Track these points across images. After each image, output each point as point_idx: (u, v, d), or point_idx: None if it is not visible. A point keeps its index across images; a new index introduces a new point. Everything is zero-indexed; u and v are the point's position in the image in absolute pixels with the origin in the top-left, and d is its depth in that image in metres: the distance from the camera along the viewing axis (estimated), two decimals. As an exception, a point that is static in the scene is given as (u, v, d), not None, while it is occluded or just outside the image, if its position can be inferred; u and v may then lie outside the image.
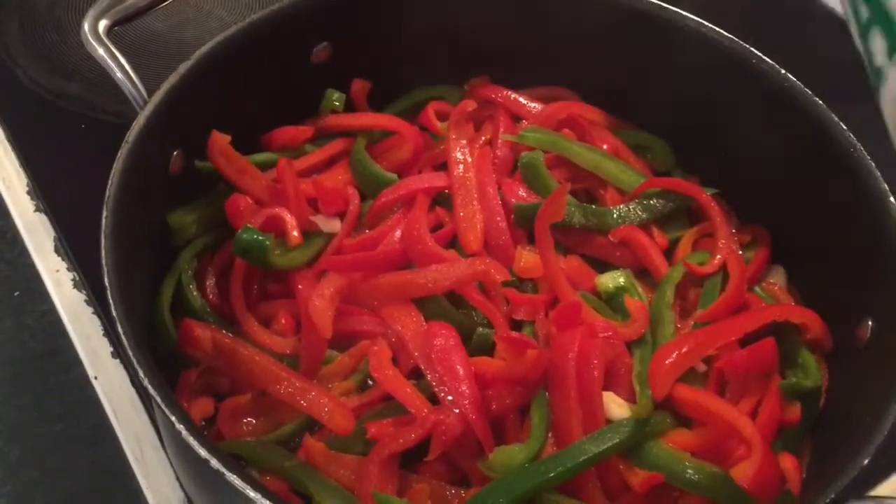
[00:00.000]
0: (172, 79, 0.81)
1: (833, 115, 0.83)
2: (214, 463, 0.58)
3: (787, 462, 0.74)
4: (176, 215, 0.86)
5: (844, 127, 0.82)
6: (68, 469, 0.85)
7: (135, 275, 0.76)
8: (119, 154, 0.75)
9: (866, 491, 0.83)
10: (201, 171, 0.87)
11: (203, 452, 0.58)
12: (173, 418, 0.59)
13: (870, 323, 0.77)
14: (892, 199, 0.77)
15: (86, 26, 0.82)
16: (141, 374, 0.61)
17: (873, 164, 0.80)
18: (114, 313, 0.64)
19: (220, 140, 0.87)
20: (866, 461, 0.62)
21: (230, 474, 0.57)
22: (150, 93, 0.80)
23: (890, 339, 0.72)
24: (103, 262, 0.67)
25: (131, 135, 0.76)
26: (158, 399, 0.60)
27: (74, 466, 0.85)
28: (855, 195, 0.80)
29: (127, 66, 0.82)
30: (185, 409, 0.73)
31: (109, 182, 0.72)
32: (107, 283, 0.66)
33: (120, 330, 0.64)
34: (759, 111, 0.89)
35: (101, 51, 0.82)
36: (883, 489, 0.85)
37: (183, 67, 0.82)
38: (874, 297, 0.77)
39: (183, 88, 0.82)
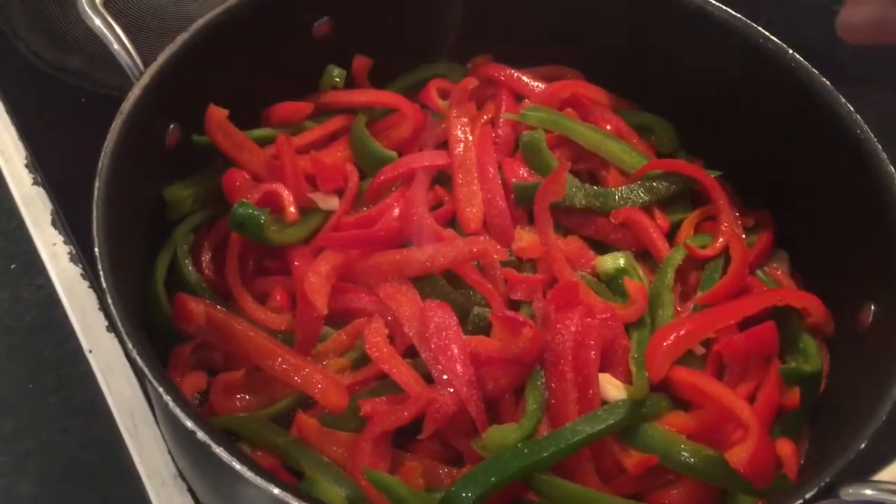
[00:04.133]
0: (169, 50, 0.80)
1: (841, 98, 0.82)
2: (201, 435, 0.57)
3: (785, 447, 0.74)
4: (172, 189, 0.85)
5: (852, 109, 0.81)
6: (62, 441, 0.85)
7: (129, 248, 0.76)
8: (113, 125, 0.74)
9: (868, 476, 0.82)
10: (199, 146, 0.86)
11: (189, 424, 0.58)
12: (160, 389, 0.59)
13: (872, 307, 0.75)
14: (898, 181, 0.76)
15: (83, -4, 0.81)
16: (129, 344, 0.61)
17: (880, 147, 0.78)
18: (103, 283, 0.64)
19: (218, 114, 0.86)
20: (863, 445, 0.61)
21: (216, 447, 0.57)
22: (148, 65, 0.80)
23: (891, 324, 0.71)
24: (94, 231, 0.67)
25: (126, 106, 0.75)
26: (146, 369, 0.60)
27: (68, 439, 0.85)
28: (861, 179, 0.78)
29: (124, 38, 0.81)
30: (174, 381, 0.72)
31: (103, 153, 0.72)
32: (97, 253, 0.66)
33: (109, 300, 0.63)
34: (765, 93, 0.88)
35: (98, 22, 0.81)
36: (885, 475, 0.85)
37: (180, 39, 0.81)
38: (877, 281, 0.75)
39: (180, 61, 0.81)
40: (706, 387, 0.74)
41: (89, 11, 0.81)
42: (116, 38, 0.81)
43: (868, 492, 0.59)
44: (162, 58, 0.80)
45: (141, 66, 0.80)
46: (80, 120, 1.08)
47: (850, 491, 0.60)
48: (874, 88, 0.55)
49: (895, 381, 0.66)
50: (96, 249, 0.67)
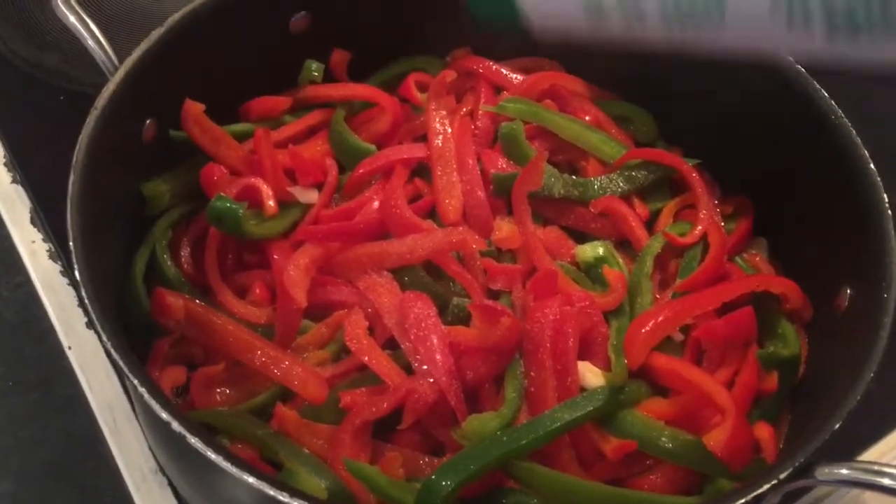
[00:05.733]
0: (144, 45, 0.80)
1: (815, 83, 0.83)
2: (176, 426, 0.57)
3: (763, 431, 0.74)
4: (150, 184, 0.85)
5: (826, 94, 0.82)
6: (42, 438, 0.85)
7: (107, 243, 0.76)
8: (88, 119, 0.74)
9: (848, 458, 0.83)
10: (176, 141, 0.86)
11: (165, 415, 0.57)
12: (135, 381, 0.59)
13: (848, 291, 0.76)
14: (871, 165, 0.76)
15: (57, -7, 0.81)
16: (104, 337, 0.61)
17: (854, 132, 0.79)
18: (77, 276, 0.64)
19: (194, 109, 0.86)
20: (838, 425, 0.62)
21: (192, 437, 0.57)
22: (123, 61, 0.79)
23: (867, 306, 0.71)
24: (69, 226, 0.67)
25: (101, 101, 0.75)
26: (120, 360, 0.60)
27: (48, 435, 0.85)
28: (836, 162, 0.79)
29: (98, 34, 0.81)
30: (150, 374, 0.72)
31: (77, 147, 0.72)
32: (72, 247, 0.65)
33: (83, 293, 0.63)
34: (741, 81, 0.88)
35: (72, 18, 0.81)
36: (864, 458, 0.85)
37: (155, 34, 0.81)
38: (852, 265, 0.76)
39: (155, 56, 0.80)
40: (684, 372, 0.74)
41: (63, 8, 0.81)
42: (91, 34, 0.81)
43: (843, 471, 0.59)
44: (137, 53, 0.79)
45: (116, 62, 0.79)
46: (58, 118, 1.07)
47: (826, 471, 0.60)
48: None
49: (871, 363, 0.66)
50: (71, 243, 0.66)
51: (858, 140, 0.78)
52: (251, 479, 0.56)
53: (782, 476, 0.59)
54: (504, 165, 0.89)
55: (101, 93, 0.76)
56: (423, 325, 0.74)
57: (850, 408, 0.62)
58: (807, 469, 0.60)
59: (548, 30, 0.46)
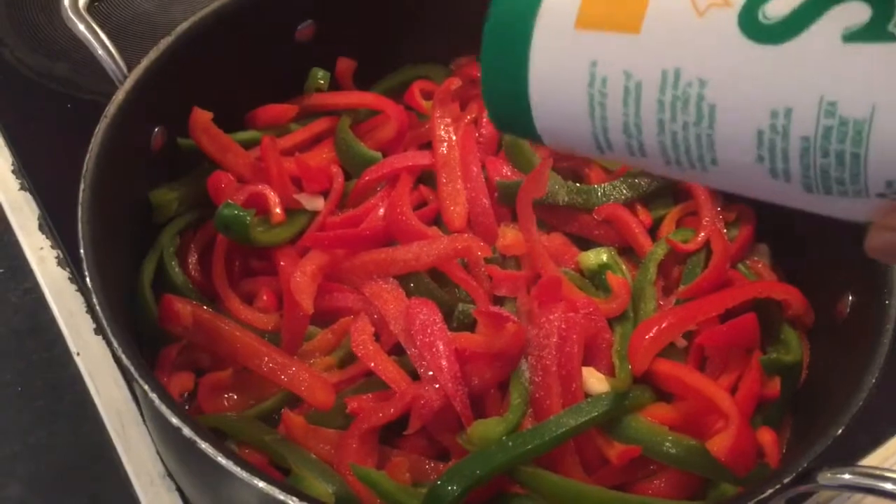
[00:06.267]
0: (153, 54, 0.81)
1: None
2: (187, 431, 0.58)
3: (766, 436, 0.74)
4: (158, 192, 0.86)
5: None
6: (50, 444, 0.86)
7: (115, 251, 0.76)
8: (97, 128, 0.75)
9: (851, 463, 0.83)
10: (184, 149, 0.87)
11: (175, 421, 0.58)
12: (146, 387, 0.59)
13: (849, 297, 0.76)
14: (873, 173, 0.76)
15: (66, 2, 0.82)
16: (115, 344, 0.62)
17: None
18: (89, 283, 0.64)
19: (202, 117, 0.86)
20: (840, 431, 0.62)
21: (202, 442, 0.57)
22: (132, 70, 0.80)
23: (868, 312, 0.72)
24: (80, 234, 0.67)
25: (110, 109, 0.76)
26: (132, 368, 0.60)
27: (56, 441, 0.86)
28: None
29: (108, 43, 0.81)
30: (160, 380, 0.73)
31: (87, 156, 0.73)
32: (82, 255, 0.66)
33: (95, 301, 0.64)
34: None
35: (81, 27, 0.82)
36: (866, 462, 0.85)
37: (163, 43, 0.82)
38: (854, 272, 0.76)
39: (164, 64, 0.81)
40: (688, 378, 0.75)
41: (73, 16, 0.82)
42: (100, 43, 0.81)
43: (846, 476, 0.60)
44: (146, 62, 0.80)
45: (125, 71, 0.80)
46: (67, 126, 1.09)
47: (829, 475, 0.60)
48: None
49: (873, 369, 0.67)
50: (81, 252, 0.67)
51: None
52: (261, 484, 0.56)
53: (785, 481, 0.60)
54: (508, 173, 0.90)
55: (110, 101, 0.77)
56: (428, 331, 0.75)
57: (852, 414, 0.63)
58: (809, 474, 0.61)
59: (560, 150, 0.52)
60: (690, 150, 0.44)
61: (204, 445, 0.57)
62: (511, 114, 0.50)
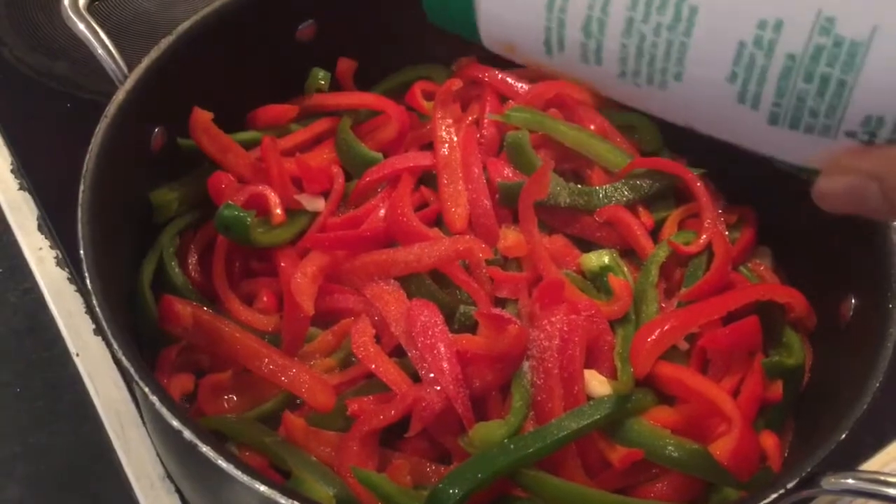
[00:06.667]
0: (153, 54, 0.81)
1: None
2: (187, 434, 0.58)
3: (769, 440, 0.74)
4: (158, 192, 0.85)
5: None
6: (49, 445, 0.85)
7: (115, 251, 0.76)
8: (97, 129, 0.74)
9: (852, 467, 0.83)
10: (184, 149, 0.87)
11: (176, 423, 0.58)
12: (146, 389, 0.59)
13: (852, 301, 0.76)
14: (876, 176, 0.76)
15: (66, 1, 0.82)
16: (115, 345, 0.61)
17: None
18: (88, 285, 0.64)
19: (203, 117, 0.86)
20: (844, 435, 0.62)
21: (203, 446, 0.57)
22: (132, 69, 0.80)
23: (871, 316, 0.72)
24: (79, 235, 0.67)
25: (110, 109, 0.76)
26: (132, 370, 0.60)
27: (55, 443, 0.85)
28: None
29: (108, 42, 0.81)
30: (161, 383, 0.73)
31: (87, 156, 0.72)
32: (82, 256, 0.66)
33: (94, 302, 0.63)
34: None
35: (81, 26, 0.82)
36: (868, 466, 0.85)
37: (164, 43, 0.82)
38: (857, 274, 0.76)
39: (164, 64, 0.81)
40: (690, 381, 0.75)
41: (72, 16, 0.81)
42: (100, 43, 0.81)
43: (849, 481, 0.60)
44: (146, 61, 0.80)
45: (125, 71, 0.80)
46: (66, 125, 1.08)
47: (832, 480, 0.60)
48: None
49: (876, 372, 0.67)
50: (81, 252, 0.67)
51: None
52: (263, 488, 0.56)
53: (789, 486, 0.60)
54: (510, 174, 0.89)
55: (110, 101, 0.76)
56: (430, 333, 0.75)
57: (855, 418, 0.63)
58: (813, 479, 0.60)
59: (496, 47, 0.45)
60: (656, 59, 0.40)
61: (205, 449, 0.57)
62: None
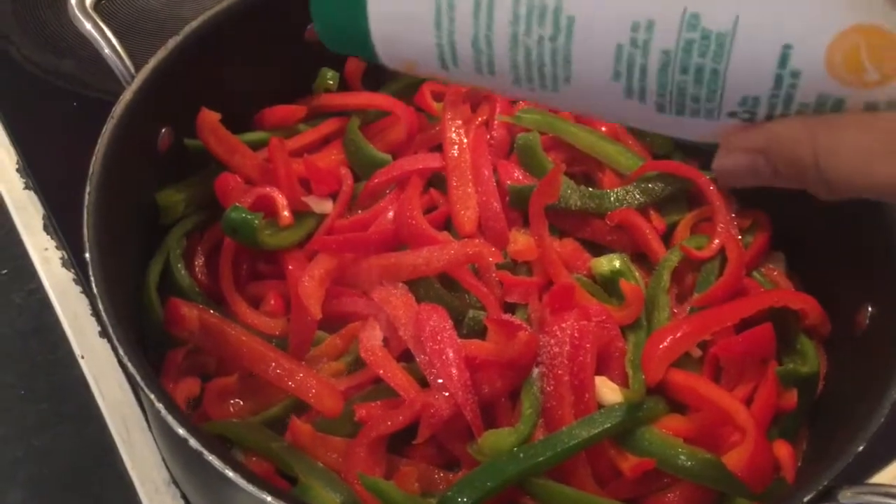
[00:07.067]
0: (160, 54, 0.80)
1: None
2: (193, 443, 0.57)
3: (783, 449, 0.73)
4: (164, 194, 0.84)
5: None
6: (53, 448, 0.85)
7: (121, 253, 0.75)
8: (104, 129, 0.73)
9: (865, 478, 0.82)
10: (191, 150, 0.86)
11: (182, 432, 0.57)
12: (152, 396, 0.58)
13: (869, 309, 0.75)
14: (894, 181, 0.75)
15: (73, 0, 0.81)
16: (120, 350, 0.60)
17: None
18: (94, 289, 0.63)
19: (210, 118, 0.85)
20: (861, 447, 0.61)
21: (209, 454, 0.56)
22: (139, 69, 0.79)
23: (889, 325, 0.70)
24: (85, 237, 0.66)
25: (117, 110, 0.75)
26: (137, 376, 0.59)
27: (60, 445, 0.85)
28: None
29: (115, 41, 0.80)
30: (166, 388, 0.72)
31: (94, 158, 0.71)
32: (88, 259, 0.65)
33: (100, 306, 0.62)
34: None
35: (88, 25, 0.81)
36: (882, 477, 0.84)
37: (171, 43, 0.81)
38: (874, 282, 0.75)
39: (171, 64, 0.80)
40: (703, 389, 0.74)
41: (79, 14, 0.81)
42: (107, 42, 0.80)
43: (867, 496, 0.58)
44: (153, 61, 0.79)
45: (132, 70, 0.79)
46: (73, 124, 1.08)
47: (849, 494, 0.59)
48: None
49: (893, 383, 0.66)
50: (87, 255, 0.66)
51: (880, 155, 0.77)
52: (269, 498, 0.55)
53: (806, 499, 0.59)
54: (520, 177, 0.88)
55: (117, 102, 0.75)
56: (438, 338, 0.74)
57: (873, 430, 0.62)
58: (830, 492, 0.59)
59: (396, 65, 0.48)
60: (544, 67, 0.43)
61: (211, 458, 0.56)
62: (343, 18, 0.46)
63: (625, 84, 0.42)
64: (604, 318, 0.77)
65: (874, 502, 0.58)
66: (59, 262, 0.97)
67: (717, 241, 0.86)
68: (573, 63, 0.42)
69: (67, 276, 0.96)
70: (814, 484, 0.59)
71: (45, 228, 1.00)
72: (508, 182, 0.87)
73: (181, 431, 0.57)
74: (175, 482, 0.82)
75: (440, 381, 0.72)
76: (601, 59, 0.42)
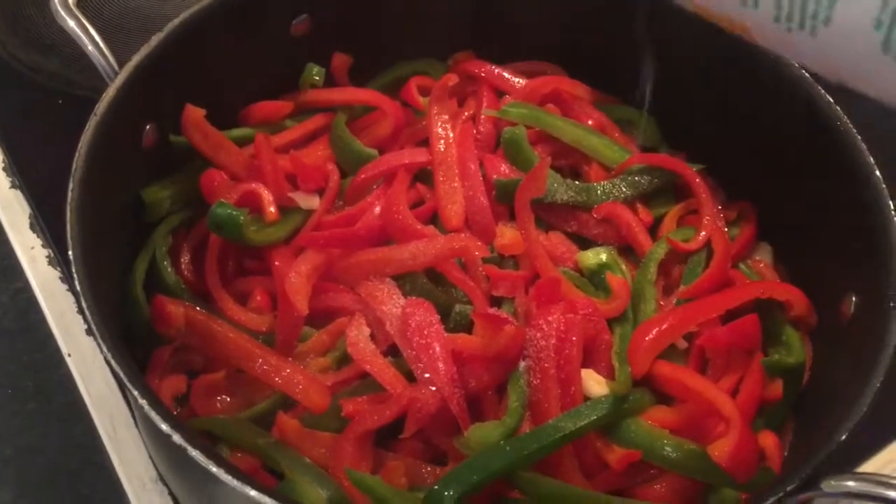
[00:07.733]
0: (144, 50, 0.79)
1: (820, 89, 0.82)
2: (177, 438, 0.57)
3: (768, 440, 0.73)
4: (150, 190, 0.84)
5: (831, 100, 0.81)
6: (41, 447, 0.85)
7: (107, 251, 0.75)
8: (87, 126, 0.73)
9: (851, 468, 0.82)
10: (176, 146, 0.86)
11: (165, 427, 0.57)
12: (136, 392, 0.58)
13: (853, 299, 0.75)
14: (877, 172, 0.76)
15: (55, -2, 0.81)
16: (104, 348, 0.60)
17: (859, 138, 0.78)
18: (77, 287, 0.63)
19: (195, 114, 0.85)
20: (844, 437, 0.61)
21: (193, 450, 0.56)
22: (123, 66, 0.79)
23: (872, 315, 0.71)
24: (69, 235, 0.66)
25: (100, 107, 0.75)
26: (121, 373, 0.59)
27: (47, 444, 0.85)
28: (841, 169, 0.78)
29: (98, 38, 0.80)
30: (150, 385, 0.72)
31: (76, 155, 0.71)
32: (71, 257, 0.65)
33: (84, 304, 0.62)
34: (746, 86, 0.88)
35: (71, 23, 0.81)
36: (868, 466, 0.85)
37: (155, 39, 0.81)
38: (858, 272, 0.75)
39: (155, 61, 0.80)
40: (689, 381, 0.74)
41: (62, 12, 0.80)
42: (90, 39, 0.80)
43: (850, 483, 0.59)
44: (136, 58, 0.79)
45: (116, 67, 0.79)
46: (58, 122, 1.07)
47: (833, 483, 0.59)
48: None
49: (877, 372, 0.66)
50: (70, 253, 0.66)
51: (864, 146, 0.77)
52: (252, 492, 0.55)
53: (789, 488, 0.59)
54: (506, 171, 0.88)
55: (100, 99, 0.75)
56: (425, 332, 0.74)
57: (856, 419, 0.62)
58: (813, 481, 0.60)
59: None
60: (807, 3, 0.42)
61: (195, 453, 0.56)
62: None
63: (884, 35, 0.39)
64: (590, 311, 0.77)
65: (857, 490, 0.58)
66: (45, 261, 0.96)
67: (703, 233, 0.86)
68: (838, 2, 0.41)
69: (54, 274, 0.95)
70: (798, 473, 0.60)
71: (32, 227, 0.99)
72: (495, 176, 0.87)
73: (165, 427, 0.57)
74: (162, 479, 0.82)
75: (427, 375, 0.72)
76: (866, 3, 0.40)
